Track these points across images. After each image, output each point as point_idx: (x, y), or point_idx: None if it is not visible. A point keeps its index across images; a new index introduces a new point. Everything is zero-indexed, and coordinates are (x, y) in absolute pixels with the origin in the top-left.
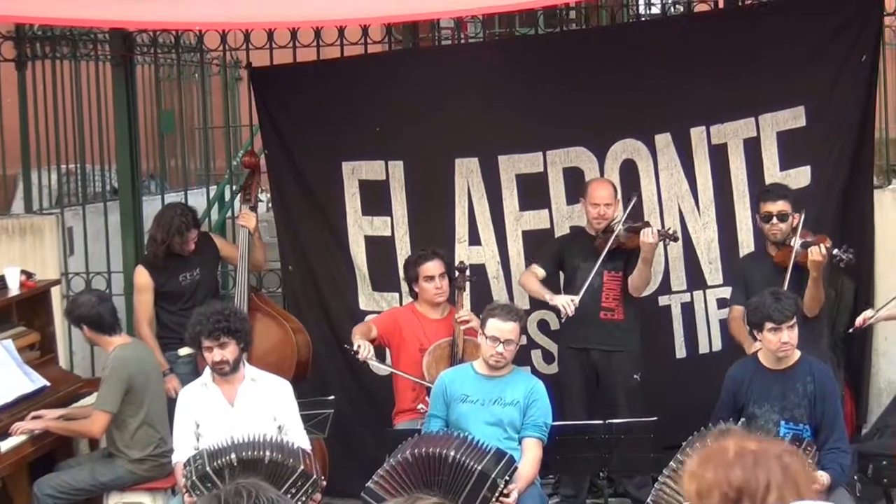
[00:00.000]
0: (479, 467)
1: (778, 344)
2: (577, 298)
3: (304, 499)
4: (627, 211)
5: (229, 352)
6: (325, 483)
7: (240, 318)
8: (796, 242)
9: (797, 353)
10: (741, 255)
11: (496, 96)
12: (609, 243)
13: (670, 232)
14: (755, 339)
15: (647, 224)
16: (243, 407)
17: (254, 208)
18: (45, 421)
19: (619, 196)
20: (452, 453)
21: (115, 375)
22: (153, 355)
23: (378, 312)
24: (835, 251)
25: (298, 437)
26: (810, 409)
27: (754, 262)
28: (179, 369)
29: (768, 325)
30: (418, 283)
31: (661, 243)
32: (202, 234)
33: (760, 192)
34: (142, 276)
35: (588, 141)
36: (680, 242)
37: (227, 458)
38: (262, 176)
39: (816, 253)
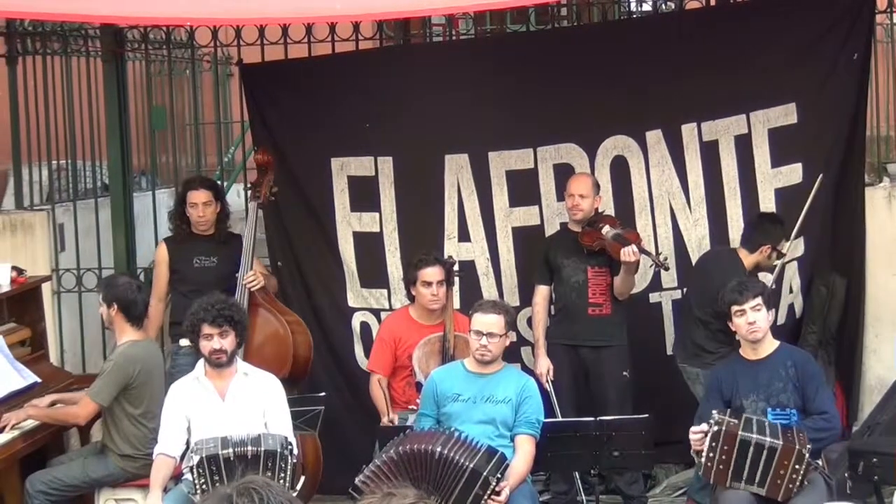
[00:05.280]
0: (471, 465)
1: (746, 325)
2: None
3: (283, 476)
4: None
5: (228, 342)
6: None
7: (241, 311)
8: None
9: (775, 342)
10: None
11: (487, 93)
12: (594, 244)
13: (661, 260)
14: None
15: (637, 238)
16: (234, 402)
17: (263, 206)
18: (27, 410)
19: (601, 192)
20: (439, 450)
21: (116, 371)
22: (160, 354)
23: (367, 309)
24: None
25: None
26: (796, 394)
27: None
28: (180, 360)
29: (734, 308)
30: (416, 287)
31: (652, 267)
32: (235, 235)
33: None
34: (160, 249)
35: (579, 137)
36: (671, 239)
37: (245, 449)
38: (272, 174)
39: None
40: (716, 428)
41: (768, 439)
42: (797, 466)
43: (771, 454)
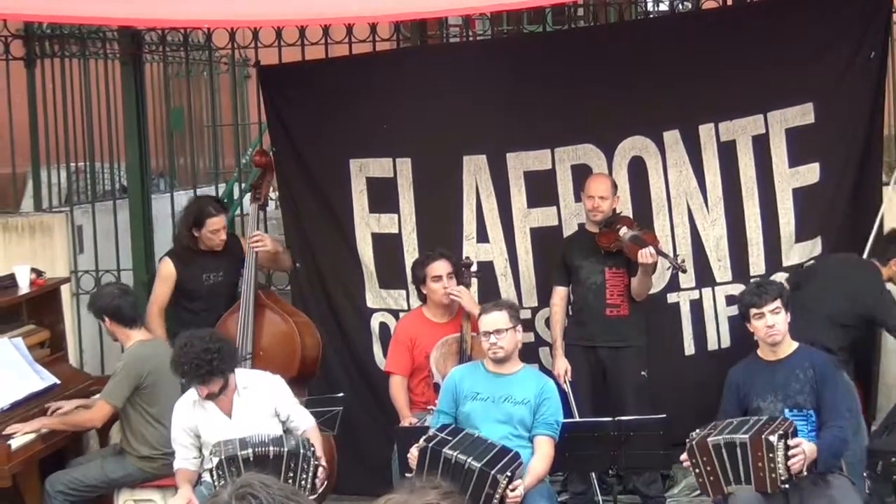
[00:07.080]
0: (479, 465)
1: (764, 329)
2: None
3: (305, 477)
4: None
5: (214, 384)
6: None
7: (223, 358)
8: None
9: (794, 343)
10: (750, 252)
11: (504, 94)
12: (611, 245)
13: (679, 262)
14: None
15: (654, 239)
16: (241, 417)
17: (263, 207)
18: (40, 420)
19: (619, 193)
20: (463, 458)
21: (126, 371)
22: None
23: (385, 310)
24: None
25: (304, 422)
26: (814, 395)
27: None
28: None
29: (752, 311)
30: (426, 285)
31: (669, 269)
32: (232, 235)
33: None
34: (166, 265)
35: (596, 138)
36: (688, 239)
37: (266, 449)
38: (273, 175)
39: None
40: (688, 445)
41: (737, 436)
42: (770, 455)
43: (744, 449)
